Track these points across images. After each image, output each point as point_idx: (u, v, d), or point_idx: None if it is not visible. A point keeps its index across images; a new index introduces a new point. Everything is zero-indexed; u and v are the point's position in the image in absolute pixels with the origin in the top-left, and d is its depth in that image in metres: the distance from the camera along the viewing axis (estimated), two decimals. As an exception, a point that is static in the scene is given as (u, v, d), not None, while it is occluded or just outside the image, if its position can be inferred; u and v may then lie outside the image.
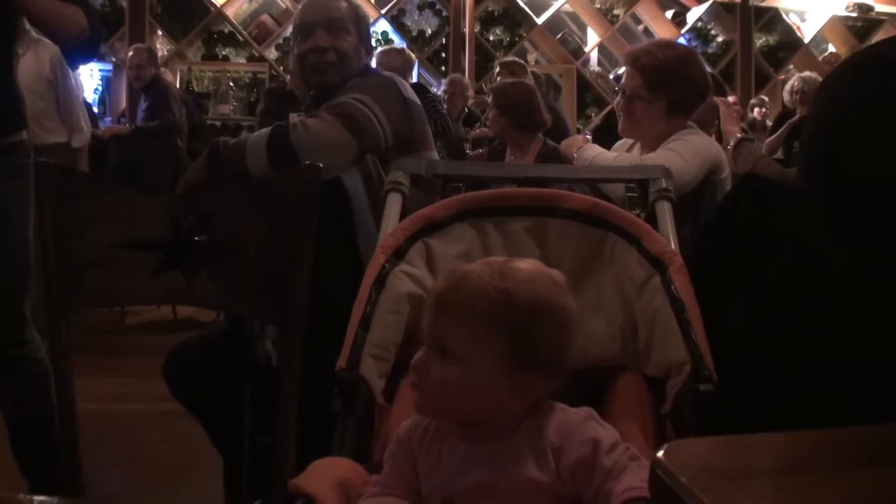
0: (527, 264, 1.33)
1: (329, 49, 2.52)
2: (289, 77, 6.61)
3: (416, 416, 1.36)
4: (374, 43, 8.31)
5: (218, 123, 8.34)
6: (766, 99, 8.60)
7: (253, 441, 2.35)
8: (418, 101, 2.54)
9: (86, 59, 2.82)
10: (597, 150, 2.93)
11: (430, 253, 1.71)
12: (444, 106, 7.29)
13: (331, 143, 2.29)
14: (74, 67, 5.69)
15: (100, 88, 8.78)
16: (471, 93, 7.78)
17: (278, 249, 1.46)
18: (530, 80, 6.41)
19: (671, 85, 2.78)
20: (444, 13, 9.14)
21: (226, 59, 8.83)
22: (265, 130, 2.38)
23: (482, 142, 6.13)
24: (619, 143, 3.15)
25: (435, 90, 8.66)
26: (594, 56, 9.99)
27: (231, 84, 8.71)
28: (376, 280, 1.61)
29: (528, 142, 4.45)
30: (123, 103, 8.36)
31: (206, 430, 2.52)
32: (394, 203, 1.86)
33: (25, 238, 2.53)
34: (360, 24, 2.63)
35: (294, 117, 4.89)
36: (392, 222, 1.81)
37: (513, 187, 1.99)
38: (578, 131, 8.77)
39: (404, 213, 1.83)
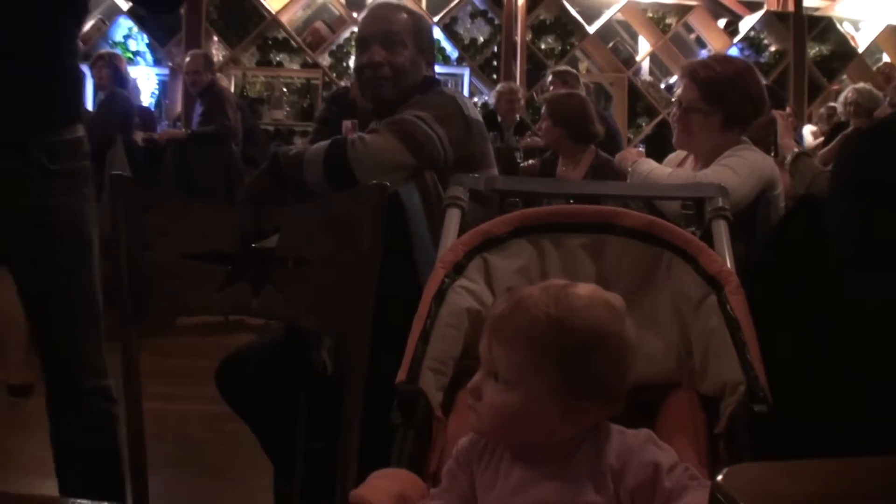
0: (585, 290, 1.33)
1: (384, 64, 2.53)
2: (351, 84, 6.69)
3: (474, 433, 1.38)
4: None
5: (271, 129, 8.44)
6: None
7: (305, 447, 2.38)
8: (480, 119, 2.55)
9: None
10: (651, 164, 2.95)
11: (488, 268, 1.72)
12: (500, 116, 7.35)
13: (387, 160, 2.32)
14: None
15: (156, 92, 8.96)
16: (523, 102, 7.81)
17: (344, 264, 1.50)
18: (583, 90, 6.43)
19: (728, 98, 2.80)
20: (496, 21, 9.17)
21: (280, 65, 8.93)
22: (323, 144, 2.41)
23: (533, 151, 6.15)
24: (671, 155, 3.16)
25: (486, 99, 8.71)
26: (645, 65, 9.96)
27: (284, 90, 8.81)
28: (436, 294, 1.63)
29: (581, 153, 4.47)
30: (179, 107, 8.49)
31: (257, 436, 2.56)
32: (453, 218, 1.89)
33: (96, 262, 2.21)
34: (420, 36, 2.62)
35: (347, 125, 4.95)
36: (451, 237, 1.83)
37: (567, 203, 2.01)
38: (629, 141, 8.76)
39: (463, 227, 1.86)
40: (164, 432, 3.58)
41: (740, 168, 2.68)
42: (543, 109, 4.68)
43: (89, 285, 2.16)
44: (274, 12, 8.82)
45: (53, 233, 2.12)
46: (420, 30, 2.63)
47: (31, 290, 2.18)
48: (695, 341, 1.63)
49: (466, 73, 9.02)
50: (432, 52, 2.67)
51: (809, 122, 8.72)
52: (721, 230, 1.86)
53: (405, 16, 2.63)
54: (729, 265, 1.72)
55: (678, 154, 3.10)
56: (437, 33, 8.97)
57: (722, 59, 3.01)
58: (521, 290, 1.34)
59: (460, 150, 2.43)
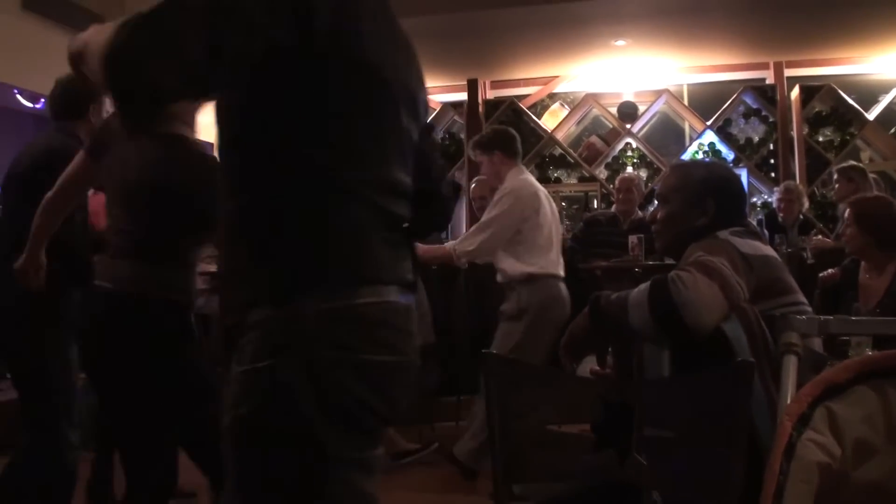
0: None
1: (655, 221, 2.83)
2: (616, 199, 6.98)
3: None
4: (701, 154, 8.36)
5: (551, 243, 8.68)
6: None
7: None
8: (761, 252, 2.57)
9: None
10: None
11: (833, 418, 1.73)
12: (781, 215, 7.24)
13: (709, 300, 2.38)
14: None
15: (441, 217, 9.40)
16: (805, 199, 7.63)
17: (709, 437, 1.58)
18: (871, 186, 6.24)
19: None
20: (771, 119, 9.08)
21: (558, 180, 9.21)
22: (644, 287, 2.50)
23: (824, 253, 6.00)
24: None
25: (766, 198, 8.60)
26: (933, 148, 9.52)
27: (563, 203, 9.06)
28: (786, 449, 1.68)
29: (887, 260, 4.32)
30: (464, 229, 8.87)
31: None
32: (790, 366, 1.92)
33: None
34: (687, 191, 2.73)
35: (633, 240, 5.21)
36: (791, 386, 1.87)
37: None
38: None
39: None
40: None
41: None
42: (847, 213, 4.53)
43: None
44: (550, 130, 9.16)
45: None
46: (686, 184, 2.77)
47: None
48: None
49: (744, 173, 8.94)
50: (704, 201, 2.73)
51: None
52: None
53: (674, 174, 2.89)
54: None
55: None
56: (712, 136, 8.99)
57: None
58: None
59: (749, 287, 2.48)
